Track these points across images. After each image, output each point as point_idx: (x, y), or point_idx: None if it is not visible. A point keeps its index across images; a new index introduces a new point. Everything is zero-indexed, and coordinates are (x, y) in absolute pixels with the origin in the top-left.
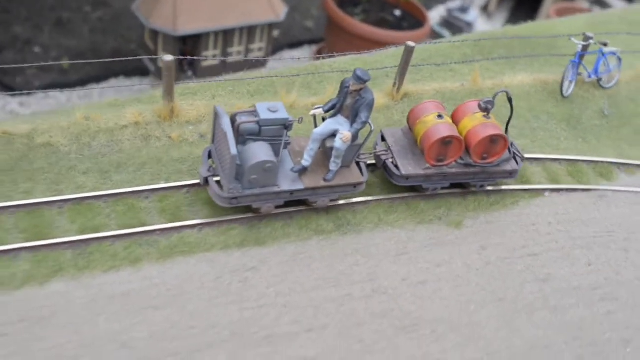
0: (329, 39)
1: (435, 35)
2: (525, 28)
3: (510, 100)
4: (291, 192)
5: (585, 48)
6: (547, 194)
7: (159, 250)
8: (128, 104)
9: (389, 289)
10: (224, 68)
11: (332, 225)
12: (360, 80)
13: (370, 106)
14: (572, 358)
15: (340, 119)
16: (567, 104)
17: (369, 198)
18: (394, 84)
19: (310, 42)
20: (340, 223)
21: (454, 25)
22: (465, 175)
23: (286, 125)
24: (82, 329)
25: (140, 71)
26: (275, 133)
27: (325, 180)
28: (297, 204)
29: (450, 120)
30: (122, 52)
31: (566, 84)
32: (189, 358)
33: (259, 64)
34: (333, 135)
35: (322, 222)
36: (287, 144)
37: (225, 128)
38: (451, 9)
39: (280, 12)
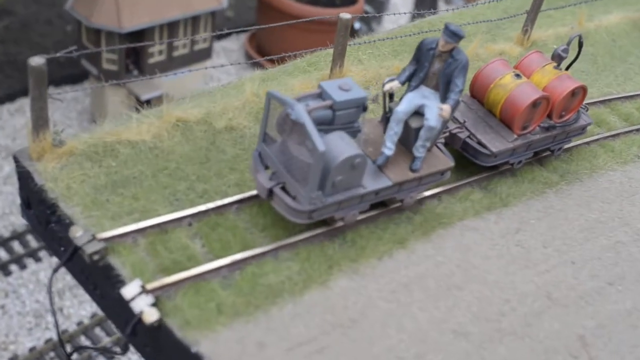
0: (262, 23)
1: (362, 10)
2: None
3: (581, 44)
4: (376, 192)
5: None
6: None
7: (416, 226)
8: (290, 75)
9: None
10: (171, 63)
11: (556, 176)
12: (455, 36)
13: (465, 69)
14: None
15: (424, 90)
16: None
17: (572, 144)
18: (525, 30)
19: (238, 31)
20: (561, 173)
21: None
22: (546, 140)
23: (365, 107)
24: (403, 324)
25: (70, 79)
26: (350, 118)
27: (413, 170)
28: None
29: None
30: None
31: None
32: (525, 333)
33: (204, 55)
34: (416, 112)
35: (545, 174)
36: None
37: (302, 118)
38: None
39: None
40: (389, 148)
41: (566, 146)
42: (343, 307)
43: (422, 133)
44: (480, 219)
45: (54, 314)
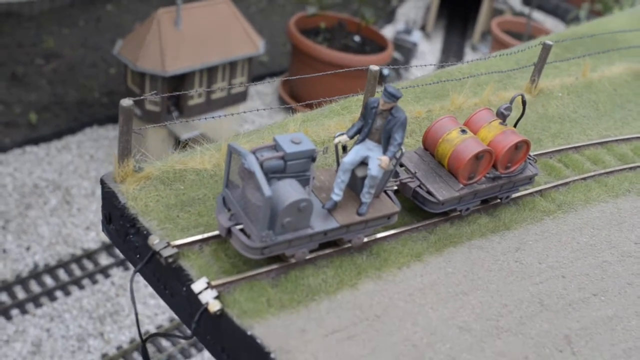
0: (296, 68)
1: (390, 57)
2: (588, 27)
3: (524, 103)
4: (325, 233)
5: None
6: None
7: (430, 244)
8: (326, 117)
9: (632, 252)
10: (209, 105)
11: (554, 206)
12: (393, 97)
13: (404, 125)
14: None
15: (369, 143)
16: None
17: (567, 180)
18: (532, 80)
19: (271, 75)
20: (558, 203)
21: (402, 46)
22: (493, 189)
23: (313, 158)
24: (418, 320)
25: (112, 119)
26: (301, 167)
27: (359, 214)
28: (327, 246)
29: (473, 134)
30: (87, 101)
31: None
32: (519, 330)
33: (240, 98)
34: (362, 163)
35: (544, 204)
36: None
37: (252, 167)
38: (398, 31)
39: (259, 45)
40: (336, 194)
41: (514, 195)
42: (369, 305)
43: (366, 181)
44: (485, 239)
45: (134, 307)
